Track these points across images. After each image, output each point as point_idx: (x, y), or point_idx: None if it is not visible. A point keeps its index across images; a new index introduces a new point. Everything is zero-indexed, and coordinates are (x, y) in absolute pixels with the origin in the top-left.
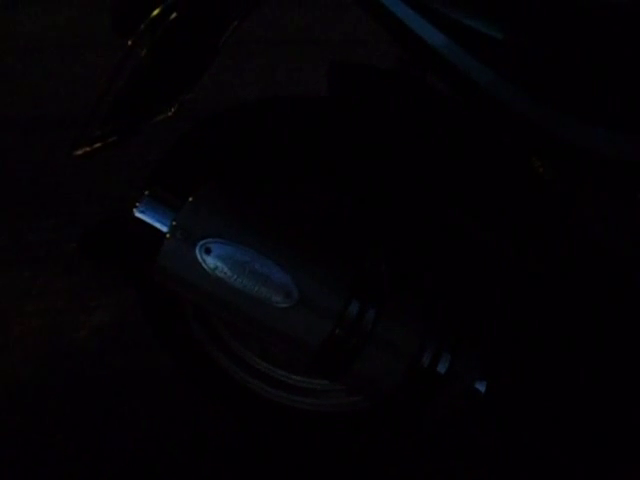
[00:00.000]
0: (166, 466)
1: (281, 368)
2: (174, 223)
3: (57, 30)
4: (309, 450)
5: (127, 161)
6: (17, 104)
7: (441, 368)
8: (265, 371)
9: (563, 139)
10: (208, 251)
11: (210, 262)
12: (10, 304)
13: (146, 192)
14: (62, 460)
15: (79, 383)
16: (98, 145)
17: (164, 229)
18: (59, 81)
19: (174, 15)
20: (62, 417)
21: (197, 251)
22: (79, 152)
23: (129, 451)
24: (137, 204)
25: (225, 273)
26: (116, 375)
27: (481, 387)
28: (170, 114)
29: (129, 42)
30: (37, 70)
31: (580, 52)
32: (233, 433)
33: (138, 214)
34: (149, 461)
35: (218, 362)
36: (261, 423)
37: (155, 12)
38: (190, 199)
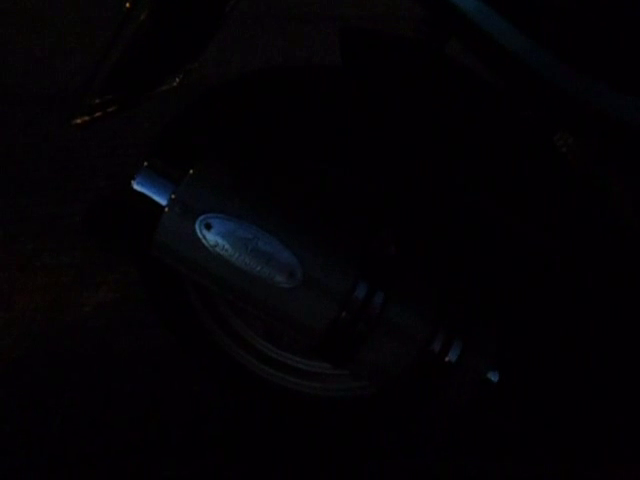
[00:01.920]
0: (166, 445)
1: (284, 350)
2: (173, 196)
3: (75, 7)
4: (312, 435)
5: (134, 136)
6: (23, 79)
7: (452, 356)
8: (267, 352)
9: (596, 109)
10: (208, 227)
11: (210, 238)
12: (12, 279)
13: (145, 163)
14: (62, 437)
15: (81, 360)
16: (98, 114)
17: (163, 202)
18: (70, 58)
19: None
20: (63, 394)
21: (197, 226)
22: (78, 121)
23: (129, 430)
24: (135, 176)
25: (226, 250)
26: (118, 352)
27: (494, 377)
28: (175, 84)
29: (127, 4)
30: (49, 46)
31: (618, 17)
32: (234, 412)
33: (136, 186)
34: (149, 440)
35: (220, 341)
36: (261, 405)
37: None
38: (191, 172)
